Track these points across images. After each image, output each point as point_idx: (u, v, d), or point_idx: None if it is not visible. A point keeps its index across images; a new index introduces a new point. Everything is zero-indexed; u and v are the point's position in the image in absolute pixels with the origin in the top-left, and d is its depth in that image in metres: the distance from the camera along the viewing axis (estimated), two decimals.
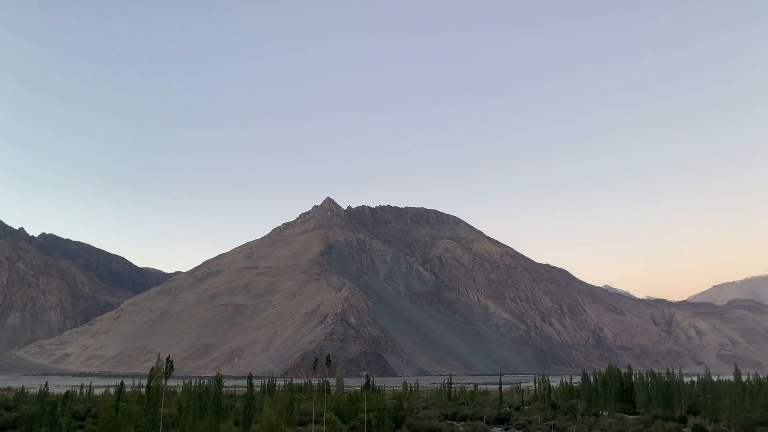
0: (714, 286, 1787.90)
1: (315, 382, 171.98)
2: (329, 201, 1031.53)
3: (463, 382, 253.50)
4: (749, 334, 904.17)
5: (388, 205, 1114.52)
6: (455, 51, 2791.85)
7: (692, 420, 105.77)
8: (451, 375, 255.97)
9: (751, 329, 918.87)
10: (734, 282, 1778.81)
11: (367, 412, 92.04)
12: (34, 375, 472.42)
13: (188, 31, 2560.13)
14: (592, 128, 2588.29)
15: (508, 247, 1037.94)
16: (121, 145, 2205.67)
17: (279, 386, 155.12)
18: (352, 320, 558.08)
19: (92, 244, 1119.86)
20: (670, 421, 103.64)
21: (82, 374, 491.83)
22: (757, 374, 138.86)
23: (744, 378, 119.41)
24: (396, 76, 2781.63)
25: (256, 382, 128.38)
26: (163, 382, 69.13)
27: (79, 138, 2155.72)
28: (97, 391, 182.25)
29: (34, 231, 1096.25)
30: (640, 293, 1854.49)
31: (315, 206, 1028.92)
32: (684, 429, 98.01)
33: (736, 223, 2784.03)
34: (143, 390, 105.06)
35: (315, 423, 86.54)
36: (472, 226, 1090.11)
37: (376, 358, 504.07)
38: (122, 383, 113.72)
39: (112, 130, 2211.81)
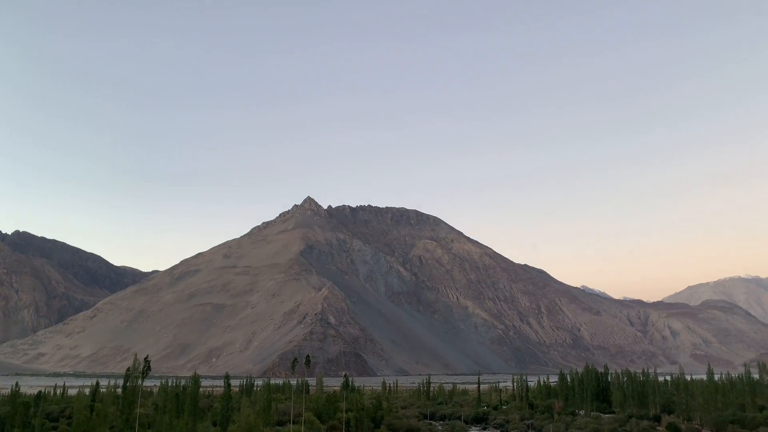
0: (688, 287, 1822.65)
1: (294, 382, 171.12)
2: (310, 200, 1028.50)
3: (442, 381, 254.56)
4: (722, 334, 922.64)
5: (369, 205, 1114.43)
6: (443, 48, 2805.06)
7: (666, 418, 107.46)
8: (430, 374, 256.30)
9: (723, 329, 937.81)
10: (707, 283, 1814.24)
11: (346, 411, 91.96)
12: (7, 375, 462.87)
13: (168, 23, 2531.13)
14: (569, 129, 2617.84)
15: (487, 247, 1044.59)
16: (98, 142, 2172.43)
17: (257, 386, 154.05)
18: (332, 320, 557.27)
19: (68, 243, 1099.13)
20: (645, 420, 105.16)
21: (57, 374, 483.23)
22: (729, 373, 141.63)
23: (716, 377, 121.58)
24: (381, 74, 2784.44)
25: (234, 383, 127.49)
26: (139, 382, 68.36)
27: (54, 134, 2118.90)
28: (72, 392, 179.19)
29: (7, 228, 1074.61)
30: (616, 294, 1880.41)
31: (295, 205, 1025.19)
32: (658, 427, 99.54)
33: (710, 225, 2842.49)
34: (119, 390, 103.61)
35: (293, 423, 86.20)
36: (452, 227, 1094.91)
37: (356, 358, 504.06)
38: (98, 383, 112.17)
39: (87, 126, 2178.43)
